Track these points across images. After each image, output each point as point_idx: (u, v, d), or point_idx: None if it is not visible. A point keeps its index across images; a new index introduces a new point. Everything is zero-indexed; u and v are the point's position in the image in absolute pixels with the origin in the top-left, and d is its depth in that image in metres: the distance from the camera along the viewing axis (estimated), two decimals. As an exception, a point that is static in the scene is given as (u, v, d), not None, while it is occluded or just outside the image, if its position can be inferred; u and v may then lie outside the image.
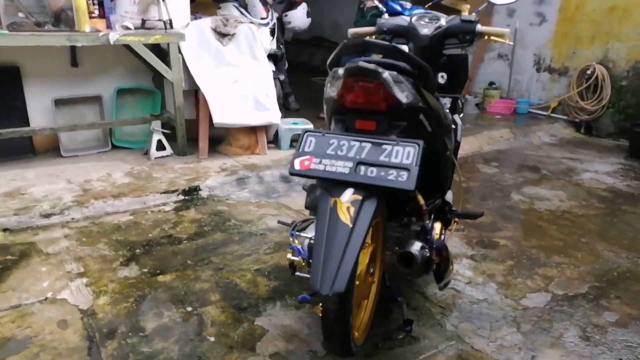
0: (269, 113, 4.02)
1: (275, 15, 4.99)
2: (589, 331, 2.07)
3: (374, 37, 2.40)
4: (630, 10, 5.09)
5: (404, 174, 1.41)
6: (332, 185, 1.49)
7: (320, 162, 1.49)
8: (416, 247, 1.50)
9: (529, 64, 6.11)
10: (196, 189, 3.48)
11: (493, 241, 2.86)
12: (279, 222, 2.28)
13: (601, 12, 5.32)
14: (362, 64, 1.46)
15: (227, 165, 3.92)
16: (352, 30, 2.38)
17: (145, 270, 2.49)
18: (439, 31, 2.18)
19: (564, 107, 5.77)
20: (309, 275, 1.65)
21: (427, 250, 1.43)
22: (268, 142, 4.27)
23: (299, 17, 5.33)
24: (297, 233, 1.72)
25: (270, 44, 4.40)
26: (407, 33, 2.26)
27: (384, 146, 1.47)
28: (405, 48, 1.89)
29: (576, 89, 5.56)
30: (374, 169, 1.44)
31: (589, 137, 5.49)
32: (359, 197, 1.43)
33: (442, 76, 2.24)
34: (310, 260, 1.63)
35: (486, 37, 2.22)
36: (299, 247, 1.66)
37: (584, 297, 2.32)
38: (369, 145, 1.49)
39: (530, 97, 6.16)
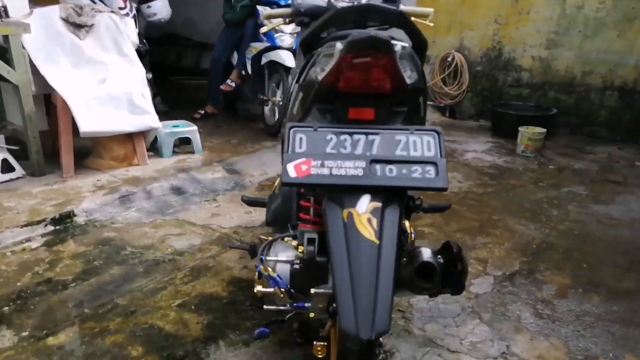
0: (148, 116, 3.46)
1: (134, 5, 4.36)
2: (540, 308, 2.10)
3: (287, 20, 2.11)
4: (479, 2, 5.55)
5: (431, 170, 1.15)
6: (339, 192, 1.18)
7: (322, 165, 1.16)
8: (429, 254, 1.24)
9: (393, 54, 6.34)
10: (69, 216, 2.82)
11: (418, 230, 2.80)
12: (230, 247, 1.89)
13: (454, 4, 5.72)
14: (375, 33, 1.16)
15: (102, 182, 3.28)
16: (266, 13, 2.06)
17: (25, 333, 1.88)
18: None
19: (430, 93, 6.11)
20: (287, 308, 1.34)
21: (439, 257, 1.20)
22: (147, 150, 3.70)
23: (162, 7, 4.75)
24: (267, 258, 1.37)
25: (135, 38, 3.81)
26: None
27: (397, 137, 1.20)
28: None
29: (439, 75, 5.92)
30: (393, 167, 1.16)
31: (454, 120, 5.89)
32: (379, 205, 1.14)
33: None
34: (292, 290, 1.31)
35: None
36: (275, 274, 1.32)
37: (520, 274, 2.36)
38: (377, 137, 1.20)
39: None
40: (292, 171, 1.16)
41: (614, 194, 3.45)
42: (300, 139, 1.20)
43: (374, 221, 1.12)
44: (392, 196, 1.18)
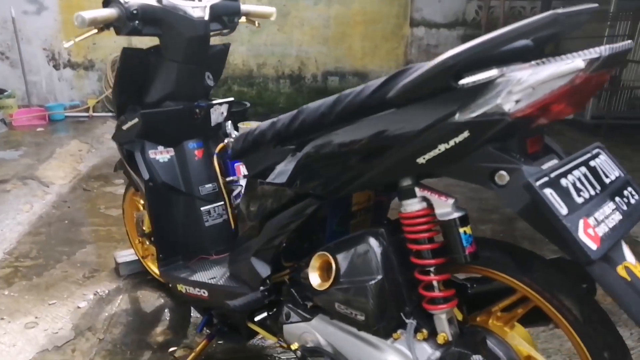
0: None
1: None
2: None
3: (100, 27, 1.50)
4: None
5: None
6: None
7: (597, 223, 0.82)
8: None
9: (41, 60, 5.03)
10: None
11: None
12: None
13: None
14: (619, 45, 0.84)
15: None
16: (88, 16, 1.38)
17: None
18: (209, 13, 1.62)
19: (105, 102, 5.26)
20: None
21: None
22: None
23: None
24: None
25: None
26: (165, 19, 1.54)
27: (591, 162, 0.92)
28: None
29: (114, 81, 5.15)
30: (629, 195, 0.92)
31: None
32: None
33: (208, 76, 1.79)
34: None
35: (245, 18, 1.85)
36: None
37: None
38: (583, 168, 0.89)
39: (58, 99, 5.18)
40: (589, 242, 0.79)
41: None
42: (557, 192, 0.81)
43: None
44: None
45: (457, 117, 0.85)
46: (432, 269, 1.00)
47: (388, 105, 0.95)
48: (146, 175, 1.65)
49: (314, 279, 1.11)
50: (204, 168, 1.77)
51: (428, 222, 0.99)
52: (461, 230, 0.94)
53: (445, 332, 1.00)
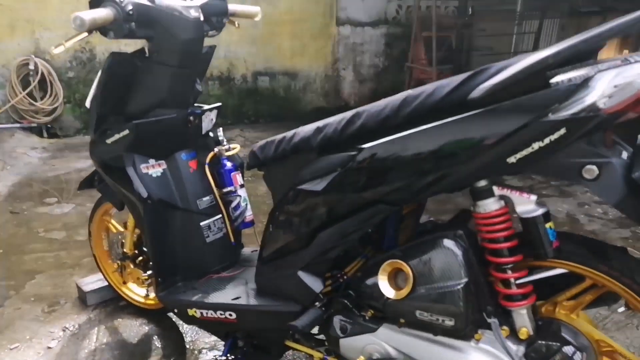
0: None
1: None
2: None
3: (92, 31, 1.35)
4: (45, -5, 4.59)
5: None
6: None
7: None
8: None
9: None
10: None
11: None
12: None
13: (12, -3, 4.49)
14: None
15: None
16: (88, 17, 1.25)
17: None
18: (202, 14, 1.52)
19: (10, 112, 4.67)
20: None
21: None
22: None
23: None
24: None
25: None
26: (159, 19, 1.40)
27: None
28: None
29: (20, 88, 4.60)
30: None
31: (60, 139, 4.84)
32: None
33: (197, 81, 1.68)
34: None
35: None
36: None
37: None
38: None
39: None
40: None
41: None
42: None
43: None
44: None
45: (553, 115, 0.86)
46: (509, 266, 1.00)
47: (466, 107, 0.93)
48: (144, 193, 1.48)
49: (386, 288, 1.06)
50: (199, 180, 1.64)
51: (506, 220, 0.99)
52: (547, 225, 0.95)
53: (526, 327, 1.01)
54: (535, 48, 5.26)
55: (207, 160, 1.66)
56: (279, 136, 1.23)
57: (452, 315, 0.99)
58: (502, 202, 0.99)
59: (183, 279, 1.59)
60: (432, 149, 0.95)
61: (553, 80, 0.86)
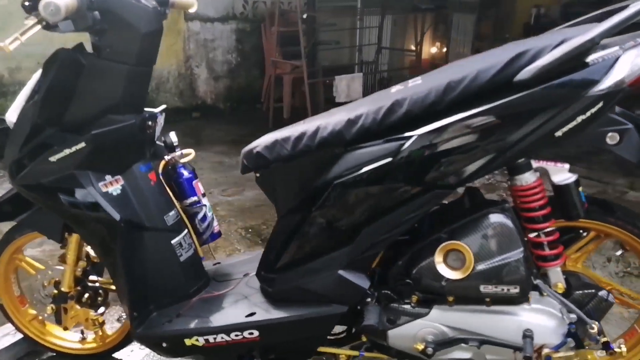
0: None
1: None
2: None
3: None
4: None
5: None
6: None
7: None
8: None
9: None
10: None
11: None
12: None
13: None
14: None
15: None
16: (63, 4, 1.10)
17: None
18: None
19: None
20: None
21: None
22: None
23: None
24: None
25: None
26: (115, 9, 1.21)
27: None
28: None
29: None
30: None
31: None
32: None
33: None
34: None
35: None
36: None
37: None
38: None
39: None
40: None
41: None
42: None
43: None
44: None
45: (593, 90, 0.98)
46: (545, 230, 1.12)
47: (513, 88, 1.00)
48: (117, 215, 1.23)
49: (445, 270, 1.08)
50: (161, 193, 1.42)
51: (542, 190, 1.10)
52: (579, 189, 1.08)
53: (561, 282, 1.13)
54: (379, 41, 5.75)
55: (160, 169, 1.45)
56: (291, 133, 1.14)
57: (517, 283, 1.06)
58: (538, 174, 1.10)
59: (157, 308, 1.38)
60: (488, 130, 1.00)
61: (589, 59, 0.98)
